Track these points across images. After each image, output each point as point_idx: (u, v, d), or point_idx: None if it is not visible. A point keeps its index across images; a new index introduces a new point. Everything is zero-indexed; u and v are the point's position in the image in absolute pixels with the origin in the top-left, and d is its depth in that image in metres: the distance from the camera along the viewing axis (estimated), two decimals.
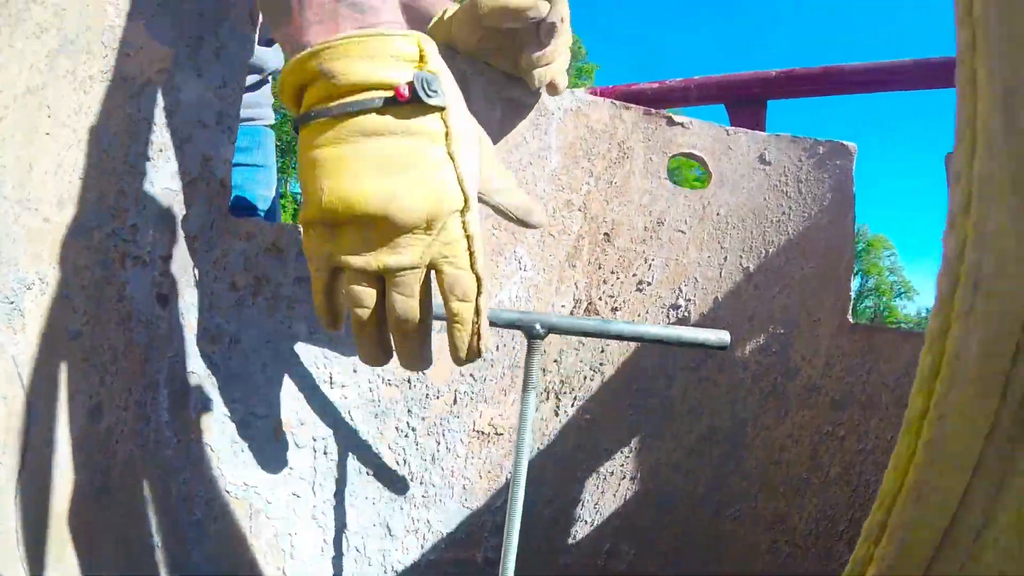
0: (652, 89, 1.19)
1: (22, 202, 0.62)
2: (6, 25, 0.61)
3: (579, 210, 0.96)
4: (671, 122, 0.99)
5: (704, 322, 0.95)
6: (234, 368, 0.77)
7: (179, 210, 0.74)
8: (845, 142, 0.96)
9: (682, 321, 0.96)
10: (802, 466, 0.91)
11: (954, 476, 0.29)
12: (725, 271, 0.96)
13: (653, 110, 0.99)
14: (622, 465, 0.96)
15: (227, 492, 0.78)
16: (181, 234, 0.74)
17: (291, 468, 0.83)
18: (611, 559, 0.96)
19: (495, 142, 0.93)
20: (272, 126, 1.26)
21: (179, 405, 0.74)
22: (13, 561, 0.57)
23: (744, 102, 1.11)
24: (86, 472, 0.67)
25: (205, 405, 0.76)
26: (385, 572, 0.90)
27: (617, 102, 0.99)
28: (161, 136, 0.73)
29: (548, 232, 0.95)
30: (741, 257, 0.96)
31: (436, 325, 0.83)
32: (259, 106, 1.17)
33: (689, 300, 0.96)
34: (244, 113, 1.13)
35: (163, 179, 0.73)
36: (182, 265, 0.74)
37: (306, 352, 0.82)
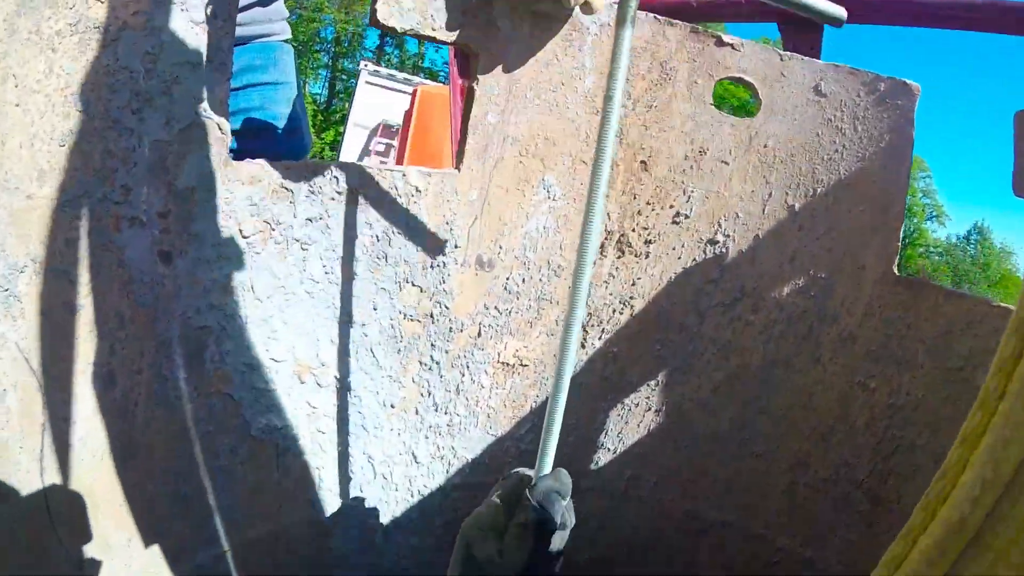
0: (699, 2, 1.07)
1: (0, 183, 0.58)
2: None
3: (615, 136, 0.90)
4: (720, 42, 0.90)
5: (743, 260, 0.91)
6: (249, 316, 0.76)
7: (173, 162, 0.69)
8: (908, 81, 0.87)
9: (719, 257, 0.92)
10: (829, 413, 0.90)
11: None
12: (769, 208, 0.90)
13: (700, 28, 0.90)
14: (647, 398, 0.95)
15: (252, 437, 0.79)
16: (178, 187, 0.70)
17: (315, 407, 0.83)
18: (632, 485, 0.98)
19: (523, 60, 0.86)
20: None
21: (195, 361, 0.73)
22: (49, 537, 0.59)
23: (800, 24, 1.00)
24: (107, 439, 0.68)
25: (222, 357, 0.75)
26: (411, 496, 0.93)
27: (660, 17, 0.90)
28: (146, 84, 0.66)
29: (579, 159, 0.90)
30: (787, 194, 0.90)
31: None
32: (270, 21, 1.09)
33: (728, 236, 0.91)
34: (256, 30, 1.07)
35: (152, 130, 0.67)
36: (182, 218, 0.71)
37: (323, 293, 0.81)
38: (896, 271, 0.87)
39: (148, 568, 0.74)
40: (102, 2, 0.62)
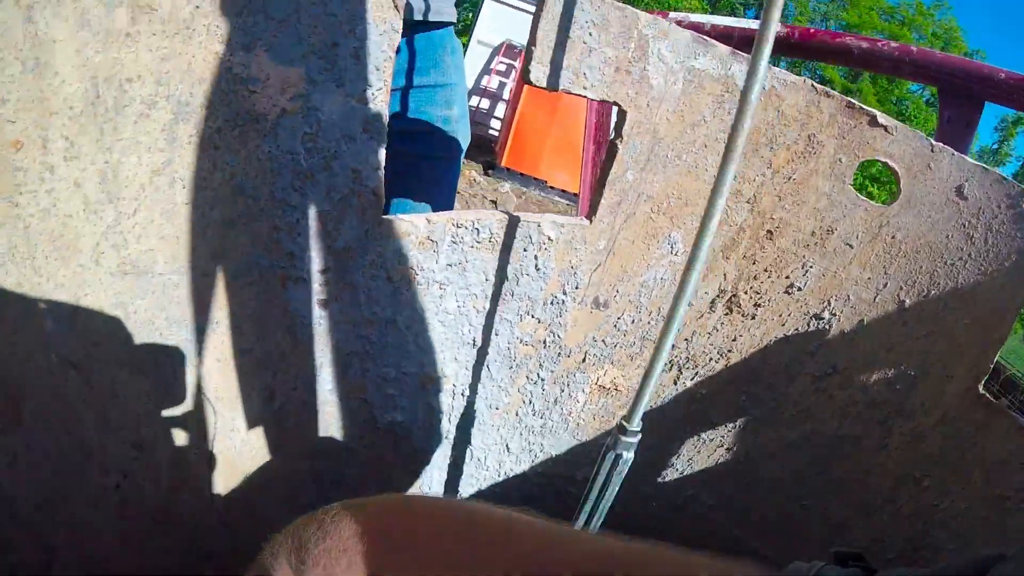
0: (861, 48, 1.02)
1: (176, 271, 0.66)
2: (107, 121, 0.58)
3: (747, 202, 0.93)
4: (874, 122, 0.89)
5: (842, 340, 0.96)
6: (389, 342, 0.87)
7: (333, 227, 0.76)
8: None
9: (821, 333, 0.97)
10: (880, 494, 0.98)
11: None
12: (880, 297, 0.94)
13: (856, 103, 0.89)
14: (723, 437, 1.05)
15: (377, 427, 0.93)
16: (337, 247, 0.78)
17: (431, 407, 0.96)
18: (690, 503, 1.10)
19: (670, 118, 0.87)
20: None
21: (341, 376, 0.86)
22: (217, 535, 0.75)
23: (962, 95, 0.96)
24: (264, 439, 0.82)
25: (363, 372, 0.87)
26: (499, 476, 1.08)
27: (818, 86, 0.89)
28: (307, 163, 0.72)
29: None
30: (901, 288, 0.93)
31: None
32: (438, 2, 1.05)
33: (835, 315, 0.96)
34: (416, 16, 1.04)
35: (314, 203, 0.74)
36: (339, 272, 0.79)
37: (454, 322, 0.90)
38: (980, 389, 0.91)
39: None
40: (259, 93, 0.67)
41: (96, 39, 0.53)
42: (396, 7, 0.72)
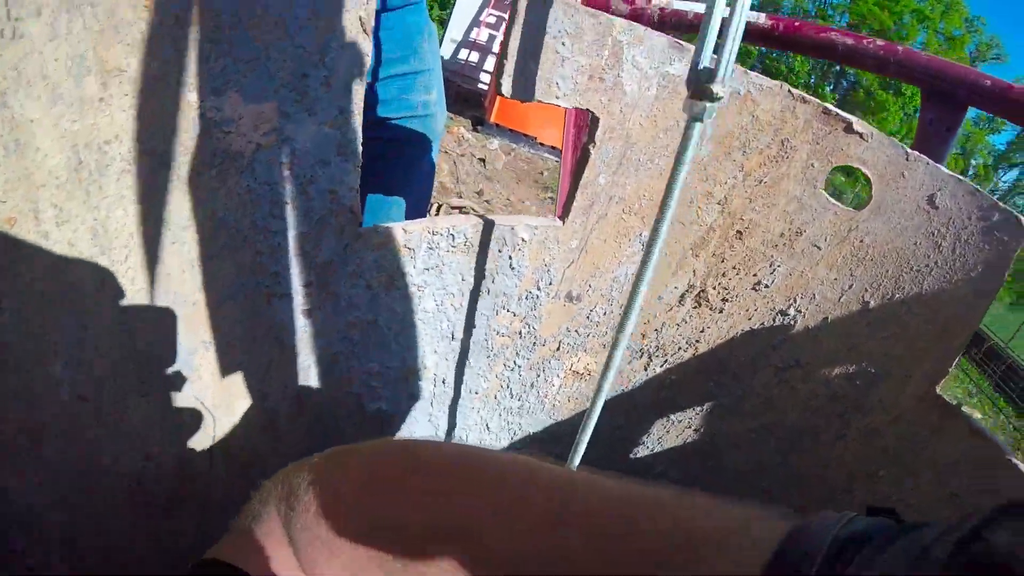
0: (846, 45, 1.00)
1: (170, 304, 0.71)
2: (92, 183, 0.59)
3: (718, 203, 0.94)
4: (849, 128, 0.89)
5: (806, 336, 0.99)
6: (371, 341, 0.92)
7: (313, 247, 0.79)
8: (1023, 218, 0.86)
9: (785, 328, 1.00)
10: (838, 485, 1.03)
11: None
12: (845, 298, 0.96)
13: (832, 109, 0.89)
14: (691, 419, 1.10)
15: (364, 415, 0.99)
16: (318, 262, 0.81)
17: (414, 395, 1.01)
18: (658, 478, 1.17)
19: (642, 123, 0.88)
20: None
21: (327, 373, 0.91)
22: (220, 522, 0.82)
23: (945, 98, 0.94)
24: (261, 438, 0.88)
25: (348, 369, 0.92)
26: None
27: (795, 92, 0.89)
28: (284, 190, 0.74)
29: (678, 220, 0.95)
30: (866, 291, 0.95)
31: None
32: None
33: (800, 312, 0.98)
34: (391, 1, 1.04)
35: (294, 227, 0.77)
36: (322, 285, 0.83)
37: (432, 319, 0.94)
38: (938, 391, 0.94)
39: None
40: (234, 132, 0.68)
41: (71, 110, 0.55)
42: (365, 31, 0.73)
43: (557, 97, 0.84)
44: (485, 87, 9.27)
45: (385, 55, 1.06)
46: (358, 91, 0.75)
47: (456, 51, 9.89)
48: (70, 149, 0.56)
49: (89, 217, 0.60)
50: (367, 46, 0.73)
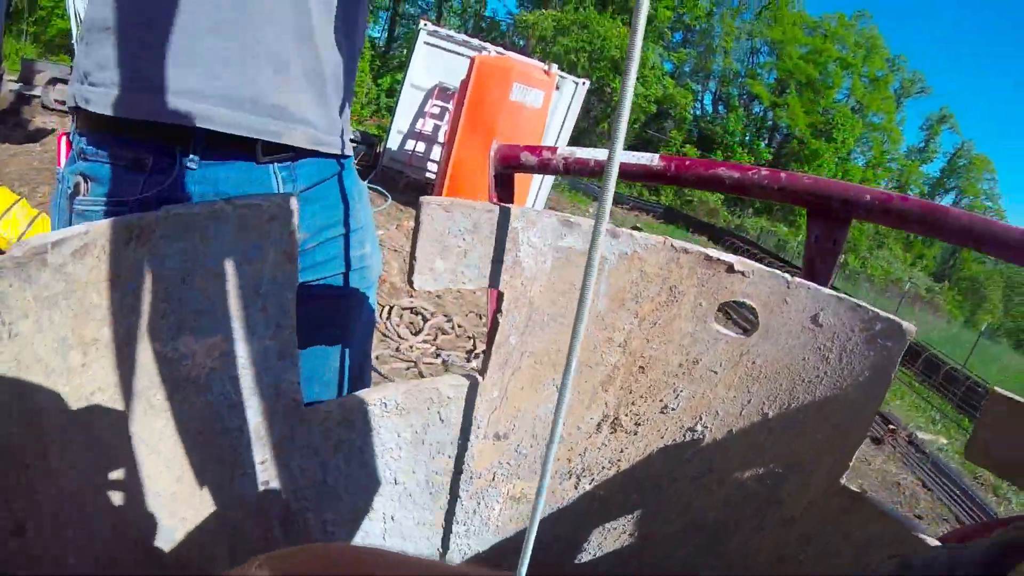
0: (732, 178, 1.11)
1: (151, 502, 0.79)
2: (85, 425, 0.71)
3: (619, 346, 1.04)
4: (731, 269, 0.99)
5: (715, 446, 1.09)
6: (324, 496, 1.00)
7: (265, 431, 0.91)
8: (905, 324, 0.95)
9: (695, 442, 1.10)
10: (767, 569, 1.13)
11: None
12: (746, 411, 1.06)
13: (714, 255, 0.99)
14: (623, 525, 1.20)
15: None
16: (272, 442, 0.91)
17: (366, 531, 1.09)
18: None
19: (542, 290, 0.98)
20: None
21: (286, 525, 0.99)
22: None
23: (829, 214, 1.05)
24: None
25: (304, 521, 1.01)
26: None
27: (677, 244, 0.99)
28: (236, 396, 0.86)
29: (586, 364, 1.05)
30: (764, 404, 1.05)
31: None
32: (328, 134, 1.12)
33: (706, 427, 1.08)
34: (307, 145, 1.07)
35: (248, 418, 0.88)
36: (277, 460, 0.93)
37: (377, 471, 1.03)
38: (842, 482, 1.03)
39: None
40: (190, 363, 0.80)
41: (61, 379, 0.67)
42: (291, 259, 0.82)
43: (464, 282, 0.93)
44: (433, 176, 9.66)
45: (322, 222, 1.13)
46: (291, 307, 0.86)
47: (403, 142, 10.33)
48: (64, 404, 0.68)
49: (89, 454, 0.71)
50: (295, 276, 0.84)
